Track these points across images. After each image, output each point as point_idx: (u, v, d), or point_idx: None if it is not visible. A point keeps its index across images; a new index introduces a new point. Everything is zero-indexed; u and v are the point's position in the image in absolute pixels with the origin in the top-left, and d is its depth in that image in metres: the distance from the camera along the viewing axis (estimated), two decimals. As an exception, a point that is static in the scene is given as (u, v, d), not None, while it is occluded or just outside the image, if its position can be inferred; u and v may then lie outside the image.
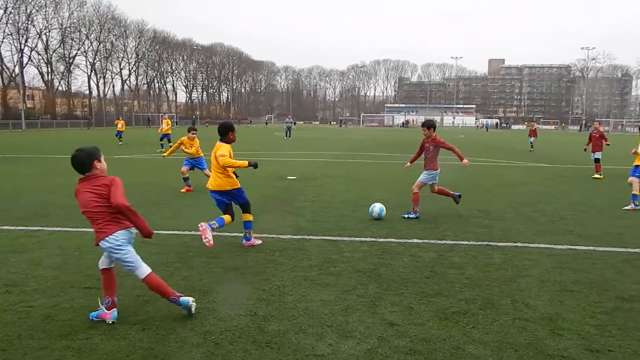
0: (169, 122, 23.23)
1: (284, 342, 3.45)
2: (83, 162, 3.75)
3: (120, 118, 32.03)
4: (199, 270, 5.09)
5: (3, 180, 12.54)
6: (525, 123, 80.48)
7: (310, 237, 6.44)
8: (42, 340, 3.50)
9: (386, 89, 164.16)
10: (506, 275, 4.98)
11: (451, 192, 8.12)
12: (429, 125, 7.78)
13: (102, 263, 3.96)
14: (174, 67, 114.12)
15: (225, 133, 5.85)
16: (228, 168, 5.76)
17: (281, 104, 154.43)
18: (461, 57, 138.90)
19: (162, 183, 11.71)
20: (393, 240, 6.30)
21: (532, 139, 26.67)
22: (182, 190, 10.45)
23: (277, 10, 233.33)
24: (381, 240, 6.29)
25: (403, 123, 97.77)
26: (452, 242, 6.27)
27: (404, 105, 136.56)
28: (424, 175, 7.78)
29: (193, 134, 10.71)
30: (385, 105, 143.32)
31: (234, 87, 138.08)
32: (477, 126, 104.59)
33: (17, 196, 9.78)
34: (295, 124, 62.43)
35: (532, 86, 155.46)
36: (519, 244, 6.21)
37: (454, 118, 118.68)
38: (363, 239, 6.35)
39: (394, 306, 4.12)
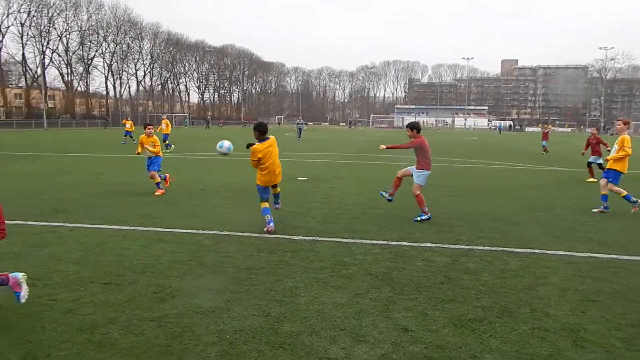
0: (168, 122, 23.84)
1: (297, 343, 3.46)
2: None
3: (129, 118, 32.29)
4: (212, 269, 5.12)
5: (25, 177, 12.72)
6: (540, 125, 79.19)
7: (322, 238, 6.44)
8: (64, 333, 3.56)
9: (396, 90, 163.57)
10: (524, 283, 4.83)
11: (394, 190, 8.22)
12: (410, 126, 7.96)
13: None
14: (186, 68, 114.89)
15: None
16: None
17: (291, 104, 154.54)
18: (473, 58, 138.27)
19: (173, 182, 11.77)
20: (405, 243, 6.27)
21: (545, 142, 26.37)
22: (157, 193, 9.88)
23: (288, 11, 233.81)
24: (393, 243, 6.27)
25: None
26: (467, 247, 6.17)
27: (414, 106, 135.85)
28: (415, 175, 7.83)
29: (149, 129, 10.29)
30: (395, 106, 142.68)
31: (245, 88, 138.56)
32: (490, 128, 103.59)
33: (38, 193, 9.93)
34: (306, 124, 62.37)
35: (547, 87, 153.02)
36: (536, 251, 6.04)
37: (465, 120, 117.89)
38: (375, 241, 6.33)
39: (408, 311, 4.08)
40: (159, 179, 10.17)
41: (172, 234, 6.57)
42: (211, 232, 6.62)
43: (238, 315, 3.92)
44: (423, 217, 7.67)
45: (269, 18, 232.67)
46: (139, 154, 10.82)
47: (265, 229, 6.67)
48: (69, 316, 3.86)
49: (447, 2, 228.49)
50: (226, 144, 7.52)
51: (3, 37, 67.65)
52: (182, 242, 6.18)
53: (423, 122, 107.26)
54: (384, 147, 8.46)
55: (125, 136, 28.98)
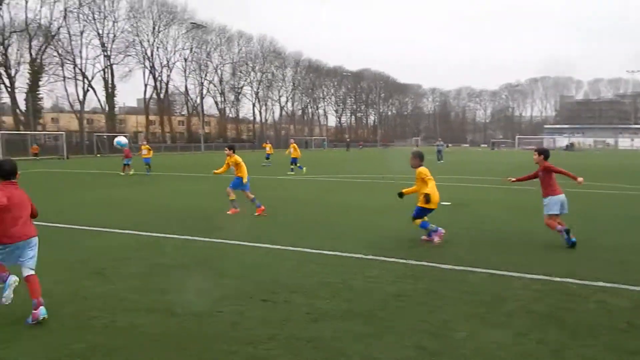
0: (296, 146, 24.29)
1: (457, 381, 3.27)
2: None
3: (268, 141, 34.43)
4: (360, 293, 5.15)
5: (187, 196, 14.37)
6: None
7: (473, 269, 6.10)
8: (231, 344, 3.86)
9: (545, 108, 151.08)
10: None
11: (560, 228, 7.26)
12: (539, 151, 7.76)
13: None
14: (325, 93, 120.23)
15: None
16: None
17: (428, 126, 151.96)
18: (639, 71, 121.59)
19: (316, 201, 12.25)
20: (572, 280, 5.61)
21: None
22: (229, 212, 10.30)
23: (422, 32, 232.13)
24: (557, 279, 5.66)
25: (567, 146, 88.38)
26: (649, 288, 5.33)
27: (566, 126, 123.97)
28: (544, 206, 7.50)
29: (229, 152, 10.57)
30: (544, 126, 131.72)
31: (381, 110, 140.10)
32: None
33: (204, 211, 11.12)
34: (447, 146, 60.36)
35: None
36: None
37: (632, 140, 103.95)
38: (534, 276, 5.79)
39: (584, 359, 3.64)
40: (234, 197, 10.36)
41: (320, 255, 6.80)
42: (356, 256, 6.71)
43: (391, 345, 3.86)
44: (568, 240, 7.13)
45: (405, 40, 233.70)
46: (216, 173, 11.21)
47: (435, 238, 7.40)
48: (233, 328, 4.19)
49: (608, 10, 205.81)
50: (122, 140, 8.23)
51: (170, 71, 78.31)
52: (330, 263, 6.36)
53: (578, 143, 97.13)
54: (513, 179, 8.42)
55: (267, 159, 30.91)
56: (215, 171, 11.11)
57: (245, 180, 10.36)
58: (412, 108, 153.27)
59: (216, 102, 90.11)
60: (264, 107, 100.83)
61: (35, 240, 4.49)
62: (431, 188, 7.50)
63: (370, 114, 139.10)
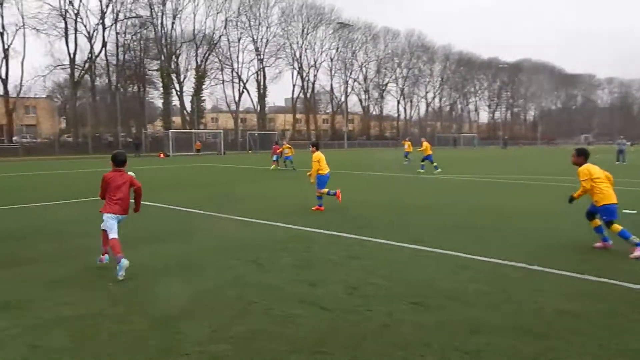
0: (428, 144, 23.80)
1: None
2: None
3: (407, 139, 33.67)
4: (525, 307, 4.73)
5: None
6: None
7: (671, 291, 5.20)
8: (383, 346, 3.83)
9: None
10: None
11: None
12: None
13: None
14: (477, 87, 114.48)
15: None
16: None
17: (602, 121, 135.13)
18: None
19: (466, 202, 11.65)
20: None
21: None
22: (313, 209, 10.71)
23: (595, 12, 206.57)
24: None
25: None
26: None
27: None
28: None
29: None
30: None
31: (543, 104, 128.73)
32: None
33: (345, 207, 11.38)
34: (632, 144, 52.50)
35: None
36: None
37: None
38: None
39: None
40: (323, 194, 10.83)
41: (474, 261, 6.44)
42: (519, 265, 6.20)
43: (567, 369, 3.46)
44: None
45: (571, 24, 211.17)
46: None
47: (636, 252, 6.50)
48: (384, 330, 4.16)
49: None
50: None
51: (317, 71, 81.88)
52: (487, 271, 5.98)
53: None
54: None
55: (406, 157, 30.39)
56: (309, 173, 11.38)
57: (313, 178, 10.98)
58: (582, 101, 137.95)
59: (360, 100, 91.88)
60: (408, 104, 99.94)
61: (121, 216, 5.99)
62: (599, 189, 6.77)
63: (529, 109, 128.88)
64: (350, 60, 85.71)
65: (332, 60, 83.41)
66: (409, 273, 5.89)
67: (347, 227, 8.73)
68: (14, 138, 50.91)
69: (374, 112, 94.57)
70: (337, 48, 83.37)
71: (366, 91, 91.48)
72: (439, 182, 18.24)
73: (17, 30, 51.17)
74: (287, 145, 25.55)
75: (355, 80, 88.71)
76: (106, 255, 6.09)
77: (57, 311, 4.56)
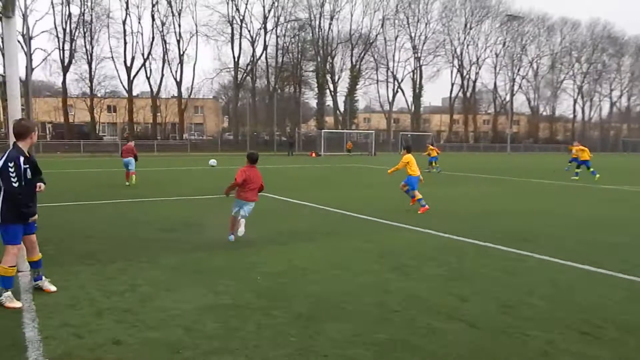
0: (585, 149, 23.03)
1: None
2: None
3: (575, 143, 29.56)
4: None
5: (485, 199, 14.02)
6: None
7: None
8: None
9: None
10: None
11: None
12: None
13: None
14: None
15: None
16: None
17: None
18: None
19: (630, 219, 10.07)
20: None
21: None
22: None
23: None
24: None
25: None
26: None
27: None
28: None
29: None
30: None
31: None
32: None
33: (499, 216, 10.70)
34: None
35: None
36: None
37: None
38: None
39: None
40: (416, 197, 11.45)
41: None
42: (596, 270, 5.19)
43: None
44: None
45: None
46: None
47: None
48: (544, 358, 3.80)
49: None
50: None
51: (479, 69, 78.27)
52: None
53: None
54: None
55: (570, 162, 27.39)
56: (389, 170, 12.73)
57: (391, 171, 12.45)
58: None
59: (528, 99, 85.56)
60: (587, 104, 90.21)
61: (253, 204, 7.70)
62: None
63: None
64: (519, 55, 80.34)
65: (497, 56, 79.13)
66: (576, 296, 5.30)
67: (504, 238, 8.20)
68: (184, 135, 58.02)
69: (545, 113, 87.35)
70: (504, 42, 78.79)
71: (536, 89, 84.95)
72: (614, 193, 16.14)
73: (190, 37, 58.26)
74: (432, 147, 26.19)
75: (523, 77, 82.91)
76: (231, 236, 7.70)
77: (211, 299, 5.06)
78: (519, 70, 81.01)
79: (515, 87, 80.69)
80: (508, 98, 77.57)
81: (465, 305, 4.99)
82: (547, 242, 8.07)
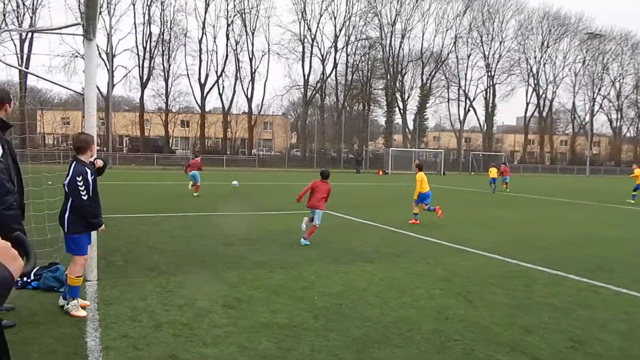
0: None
1: None
2: None
3: (634, 165, 27.05)
4: None
5: (566, 225, 13.28)
6: None
7: None
8: None
9: None
10: None
11: None
12: None
13: None
14: None
15: None
16: None
17: None
18: None
19: None
20: None
21: None
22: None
23: None
24: None
25: None
26: None
27: None
28: None
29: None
30: None
31: None
32: None
33: (577, 244, 10.10)
34: None
35: None
36: None
37: None
38: None
39: None
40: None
41: None
42: None
43: None
44: None
45: None
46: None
47: None
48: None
49: None
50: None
51: (556, 88, 74.88)
52: None
53: None
54: None
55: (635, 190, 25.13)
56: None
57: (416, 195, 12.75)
58: None
59: (610, 120, 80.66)
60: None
61: (320, 212, 9.11)
62: None
63: None
64: (599, 74, 76.24)
65: (576, 75, 75.38)
66: (658, 336, 4.89)
67: (577, 267, 7.74)
68: (253, 150, 59.64)
69: (629, 135, 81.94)
70: (584, 61, 74.98)
71: (619, 110, 79.99)
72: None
73: (262, 55, 59.96)
74: (494, 168, 26.70)
75: (605, 97, 78.43)
76: (303, 240, 9.08)
77: (267, 317, 5.11)
78: (599, 89, 76.82)
79: (596, 107, 76.55)
80: (587, 118, 73.70)
81: (530, 337, 4.74)
82: (625, 273, 7.52)
